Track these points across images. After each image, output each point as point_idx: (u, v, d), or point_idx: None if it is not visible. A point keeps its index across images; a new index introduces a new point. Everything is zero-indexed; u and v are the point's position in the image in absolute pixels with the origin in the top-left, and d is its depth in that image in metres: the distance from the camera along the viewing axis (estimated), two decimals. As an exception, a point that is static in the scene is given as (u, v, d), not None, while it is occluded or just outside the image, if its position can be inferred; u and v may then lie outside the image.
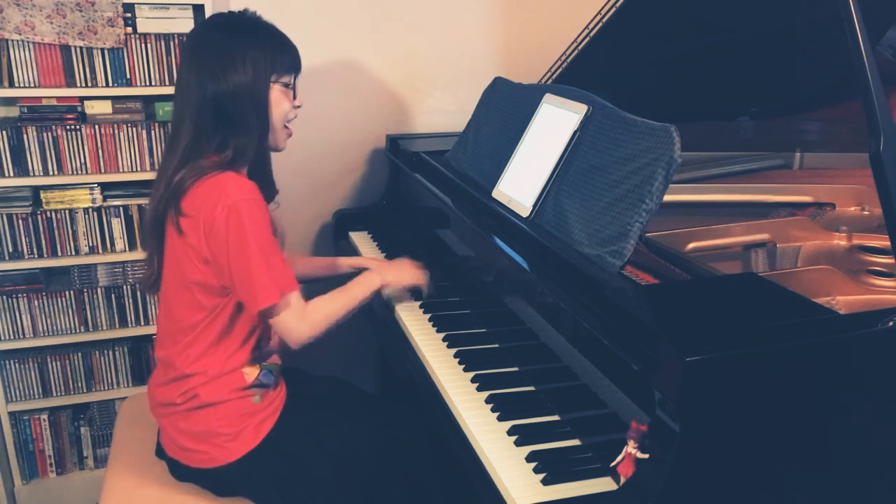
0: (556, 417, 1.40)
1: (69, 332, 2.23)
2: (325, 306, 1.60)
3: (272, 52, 1.53)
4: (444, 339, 1.67)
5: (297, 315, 1.53)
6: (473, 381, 1.51)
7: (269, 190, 1.65)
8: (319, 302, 1.60)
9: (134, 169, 2.17)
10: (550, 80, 2.04)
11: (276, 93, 1.55)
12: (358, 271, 1.82)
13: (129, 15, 2.08)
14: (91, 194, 2.15)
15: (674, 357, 1.05)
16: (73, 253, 2.18)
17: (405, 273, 1.79)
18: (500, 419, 1.39)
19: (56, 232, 2.15)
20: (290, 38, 1.60)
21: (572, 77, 1.92)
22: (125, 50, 2.09)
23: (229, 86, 1.48)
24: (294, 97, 1.60)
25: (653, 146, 1.38)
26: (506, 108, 1.89)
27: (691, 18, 1.82)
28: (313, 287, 2.31)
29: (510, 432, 1.35)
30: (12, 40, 2.01)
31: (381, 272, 1.74)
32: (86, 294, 2.22)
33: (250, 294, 1.48)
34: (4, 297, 2.16)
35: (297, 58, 1.59)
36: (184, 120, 1.51)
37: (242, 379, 1.56)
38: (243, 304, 1.52)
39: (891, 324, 1.16)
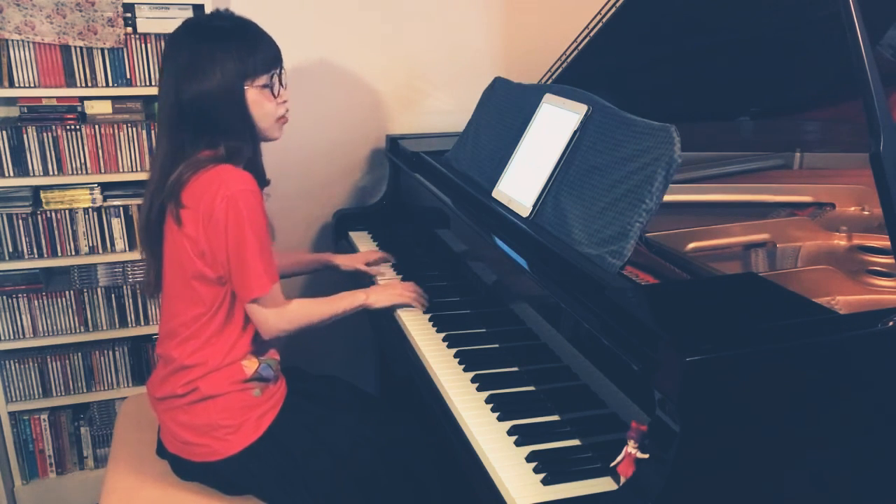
0: (556, 417, 1.40)
1: (69, 332, 2.23)
2: (305, 309, 1.65)
3: (242, 54, 1.51)
4: (444, 339, 1.67)
5: (276, 308, 1.57)
6: (473, 381, 1.51)
7: (260, 180, 1.66)
8: (302, 303, 1.66)
9: (134, 169, 2.17)
10: (550, 80, 2.04)
11: (254, 95, 1.54)
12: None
13: (129, 15, 2.07)
14: (91, 194, 2.15)
15: (674, 357, 1.05)
16: (73, 253, 2.18)
17: (391, 293, 1.79)
18: (500, 419, 1.39)
19: (56, 232, 2.15)
20: (265, 34, 1.57)
21: (572, 77, 1.92)
22: (125, 50, 2.09)
23: (202, 89, 1.49)
24: (277, 93, 1.57)
25: (653, 146, 1.38)
26: (506, 108, 1.88)
27: (691, 18, 1.82)
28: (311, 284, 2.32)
29: (510, 432, 1.35)
30: (12, 40, 2.00)
31: (367, 291, 1.77)
32: (86, 294, 2.22)
33: (244, 282, 1.52)
34: (4, 297, 2.16)
35: (271, 54, 1.56)
36: (164, 123, 1.55)
37: (242, 371, 1.58)
38: (235, 293, 1.55)
39: (891, 324, 1.16)
